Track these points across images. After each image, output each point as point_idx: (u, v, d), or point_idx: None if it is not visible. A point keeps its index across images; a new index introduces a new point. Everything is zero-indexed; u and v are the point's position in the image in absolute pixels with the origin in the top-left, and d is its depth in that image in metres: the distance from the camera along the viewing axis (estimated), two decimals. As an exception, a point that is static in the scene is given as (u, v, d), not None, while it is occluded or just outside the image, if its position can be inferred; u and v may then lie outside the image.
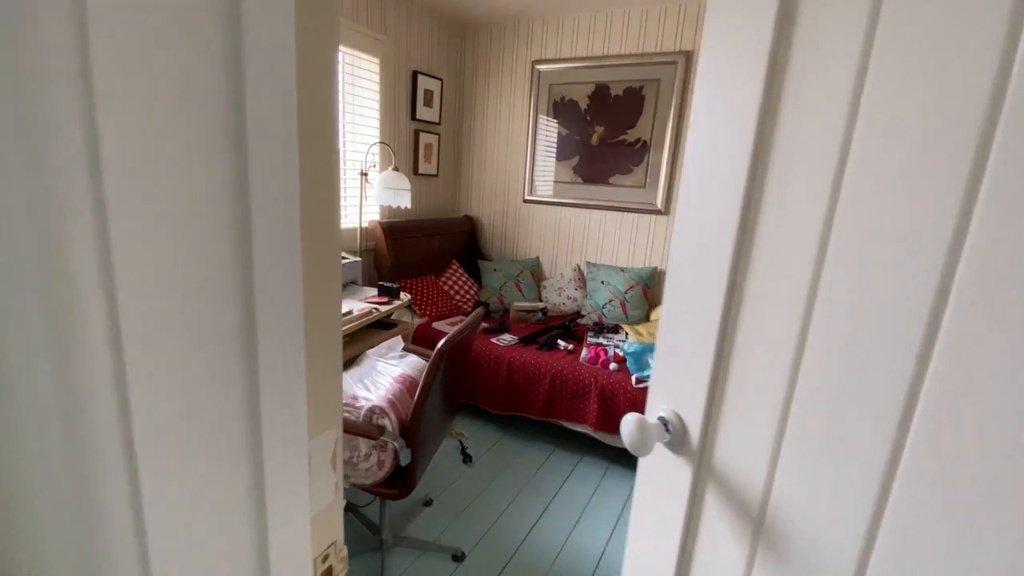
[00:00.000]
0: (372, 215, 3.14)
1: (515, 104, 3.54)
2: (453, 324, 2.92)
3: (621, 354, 2.53)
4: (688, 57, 2.94)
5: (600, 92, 3.22)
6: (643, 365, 2.43)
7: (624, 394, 2.30)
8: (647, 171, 3.17)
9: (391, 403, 1.50)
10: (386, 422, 1.45)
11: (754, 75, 0.49)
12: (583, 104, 3.29)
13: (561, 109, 3.37)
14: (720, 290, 0.54)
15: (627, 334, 2.88)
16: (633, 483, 2.31)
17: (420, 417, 1.43)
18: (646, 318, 3.13)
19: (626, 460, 2.50)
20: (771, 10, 0.48)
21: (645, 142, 3.14)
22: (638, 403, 2.27)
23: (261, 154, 0.31)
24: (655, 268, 3.22)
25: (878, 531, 0.44)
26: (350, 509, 2.00)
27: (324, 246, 0.39)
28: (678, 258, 0.61)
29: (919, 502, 0.41)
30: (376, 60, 2.96)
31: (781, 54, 0.48)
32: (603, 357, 2.53)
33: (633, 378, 2.35)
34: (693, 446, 0.59)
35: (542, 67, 3.38)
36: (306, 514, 0.37)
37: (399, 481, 1.52)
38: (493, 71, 3.58)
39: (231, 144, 0.30)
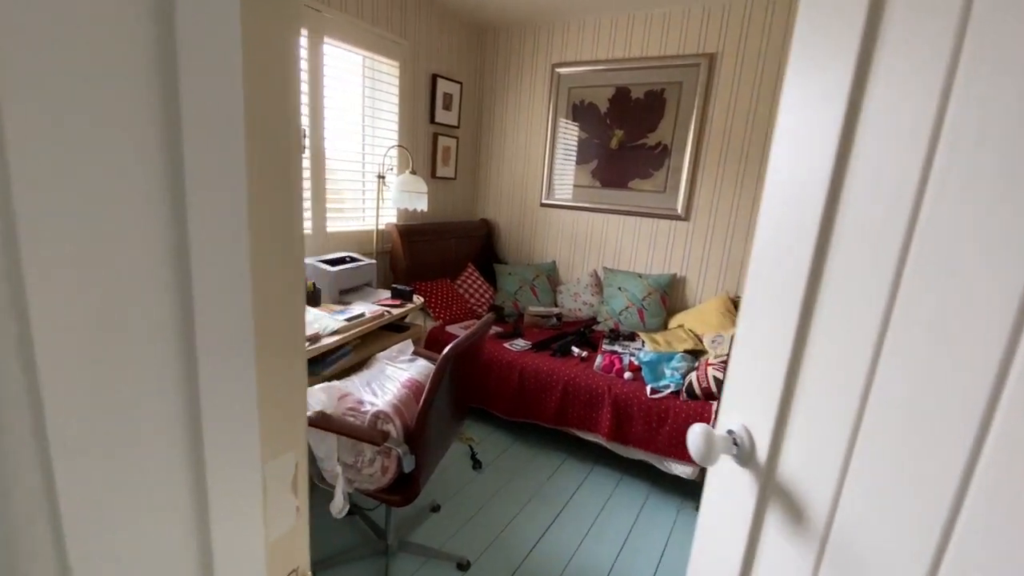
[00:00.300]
0: (390, 217, 3.15)
1: (534, 107, 3.51)
2: (467, 328, 2.89)
3: (636, 363, 2.47)
4: (711, 59, 2.86)
5: (620, 95, 3.17)
6: (659, 375, 2.36)
7: (638, 404, 2.24)
8: (667, 175, 3.10)
9: (396, 408, 1.48)
10: (390, 428, 1.43)
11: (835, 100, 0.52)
12: (603, 107, 3.24)
13: (580, 112, 3.33)
14: (794, 312, 0.55)
15: (644, 342, 2.82)
16: (646, 497, 2.25)
17: (425, 423, 1.41)
18: (664, 326, 3.05)
19: (639, 472, 2.43)
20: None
21: (666, 146, 3.07)
22: (652, 414, 2.21)
23: (199, 151, 0.28)
24: (674, 275, 3.14)
25: (940, 565, 0.42)
26: (356, 512, 1.99)
27: (282, 254, 0.36)
28: (755, 278, 0.63)
29: (983, 542, 0.39)
30: (396, 64, 2.98)
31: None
32: (618, 365, 2.47)
33: (648, 388, 2.29)
34: (760, 461, 0.60)
35: (562, 70, 3.34)
36: (260, 541, 0.35)
37: (403, 487, 1.50)
38: (513, 74, 3.56)
39: (162, 142, 0.27)
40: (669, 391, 2.25)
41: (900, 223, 0.45)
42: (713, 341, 2.64)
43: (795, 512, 0.56)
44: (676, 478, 2.26)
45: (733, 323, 2.70)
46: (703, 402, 2.16)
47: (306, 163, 2.56)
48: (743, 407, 0.64)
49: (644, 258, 3.27)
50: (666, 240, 3.18)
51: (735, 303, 2.88)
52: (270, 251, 0.35)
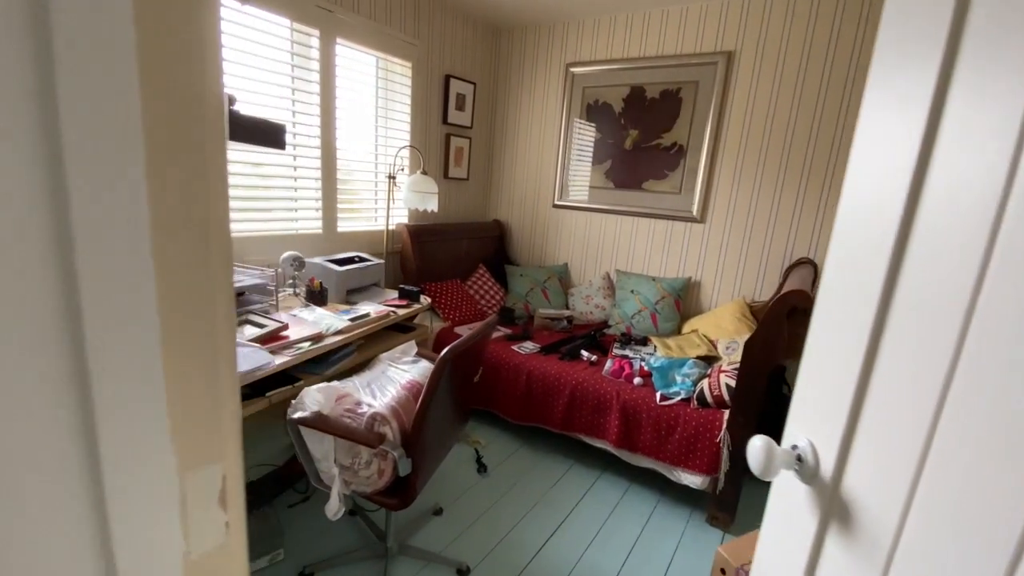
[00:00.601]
0: (402, 218, 3.15)
1: (548, 107, 3.48)
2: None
3: (647, 368, 2.41)
4: (729, 58, 2.78)
5: (635, 95, 3.11)
6: (669, 381, 2.30)
7: (647, 411, 2.18)
8: (683, 176, 3.03)
9: (394, 411, 1.46)
10: (387, 430, 1.41)
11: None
12: (617, 107, 3.18)
13: (595, 112, 3.28)
14: (865, 329, 0.55)
15: (655, 347, 2.75)
16: (654, 506, 2.19)
17: (422, 427, 1.39)
18: (677, 331, 2.98)
19: (647, 480, 2.37)
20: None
21: (681, 146, 3.00)
22: (661, 422, 2.15)
23: (78, 112, 0.26)
24: (689, 278, 3.07)
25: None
26: (357, 512, 1.98)
27: (198, 251, 0.33)
28: (827, 291, 0.63)
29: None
30: (408, 64, 2.98)
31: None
32: (627, 370, 2.42)
33: (658, 394, 2.22)
34: (825, 478, 0.60)
35: (576, 69, 3.30)
36: (177, 558, 0.33)
37: (400, 491, 1.48)
38: (527, 74, 3.53)
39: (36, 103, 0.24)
40: (679, 398, 2.19)
41: (980, 236, 0.43)
42: (727, 347, 2.56)
43: (859, 531, 0.55)
44: (686, 488, 2.20)
45: (749, 328, 2.62)
46: (714, 410, 2.09)
47: (317, 163, 2.57)
48: (809, 423, 0.64)
49: (658, 261, 3.20)
50: (681, 242, 3.10)
51: (752, 308, 2.79)
52: (183, 247, 0.32)
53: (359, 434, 1.37)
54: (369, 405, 1.47)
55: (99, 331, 0.28)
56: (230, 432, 0.36)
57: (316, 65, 2.48)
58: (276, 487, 2.02)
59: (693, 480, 2.10)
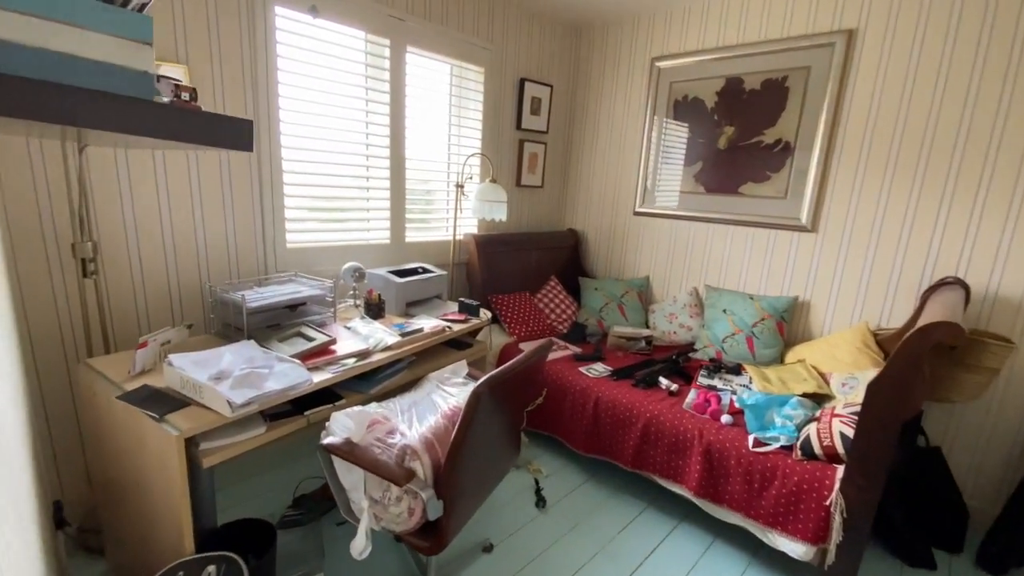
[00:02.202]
0: (471, 227, 3.05)
1: (630, 107, 3.20)
2: (542, 347, 2.67)
3: (738, 404, 2.05)
4: (850, 37, 2.33)
5: (731, 87, 2.74)
6: (766, 423, 1.93)
7: (737, 457, 1.83)
8: (790, 178, 2.60)
9: (428, 443, 1.31)
10: (417, 466, 1.26)
11: None
12: (710, 102, 2.83)
13: (683, 109, 2.95)
14: None
15: (750, 378, 2.36)
16: (743, 572, 1.82)
17: (454, 467, 1.22)
18: (779, 360, 2.54)
19: (736, 538, 2.00)
20: None
21: (788, 143, 2.58)
22: (754, 472, 1.79)
23: None
24: (795, 298, 2.61)
25: None
26: (400, 539, 1.86)
27: None
28: None
29: None
30: (481, 69, 2.88)
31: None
32: (714, 405, 2.07)
33: (751, 438, 1.86)
34: None
35: (663, 63, 2.99)
36: None
37: (433, 532, 1.32)
38: (608, 73, 3.29)
39: None
40: (778, 445, 1.81)
41: None
42: (844, 384, 2.11)
43: None
44: (784, 555, 1.81)
45: (873, 362, 2.14)
46: (824, 464, 1.70)
47: (386, 173, 2.55)
48: None
49: (757, 276, 2.78)
50: (786, 255, 2.66)
51: (877, 337, 2.29)
52: None
53: (385, 469, 1.23)
54: (402, 435, 1.33)
55: None
56: None
57: (387, 75, 2.45)
58: (325, 502, 1.97)
59: (793, 548, 1.71)
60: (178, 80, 0.72)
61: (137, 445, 1.29)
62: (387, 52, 2.44)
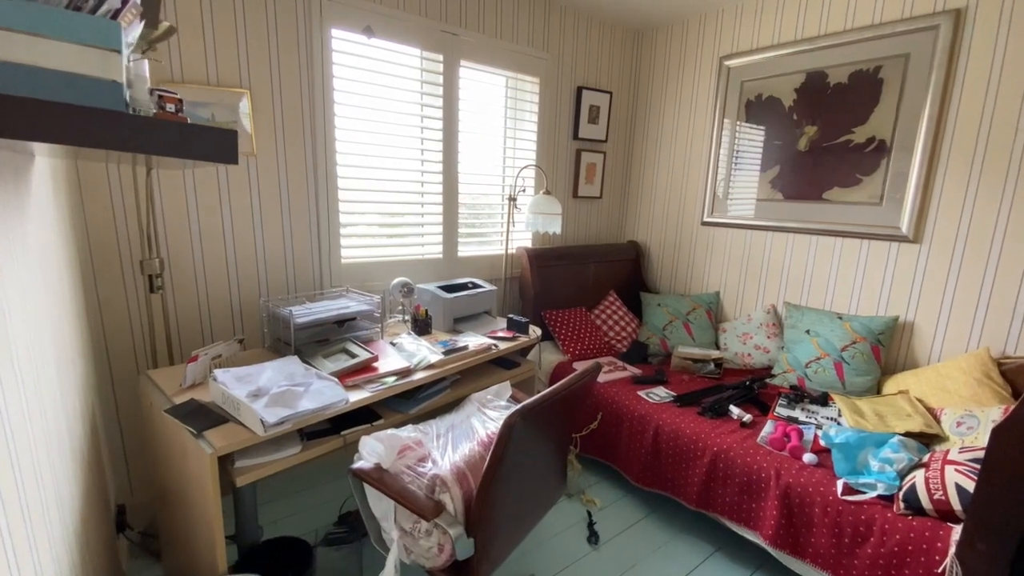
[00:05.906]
0: (525, 241, 2.97)
1: (696, 110, 2.99)
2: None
3: (824, 442, 1.77)
4: (958, 18, 2.01)
5: (812, 82, 2.47)
6: (859, 466, 1.65)
7: (823, 505, 1.57)
8: (886, 182, 2.28)
9: (460, 474, 1.22)
10: (447, 499, 1.17)
11: None
12: (787, 101, 2.56)
13: (756, 110, 2.70)
14: None
15: (840, 411, 2.06)
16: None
17: (484, 503, 1.12)
18: (875, 390, 2.20)
19: (824, 598, 1.72)
20: None
21: (883, 142, 2.26)
22: (844, 525, 1.52)
23: None
24: (895, 318, 2.27)
25: None
26: None
27: None
28: None
29: None
30: (536, 80, 2.81)
31: None
32: (794, 441, 1.81)
33: (840, 483, 1.60)
34: None
35: (732, 62, 2.77)
36: None
37: (464, 572, 1.22)
38: (671, 76, 3.10)
39: None
40: (875, 493, 1.53)
41: None
42: (959, 423, 1.77)
43: None
44: (885, 627, 1.51)
45: (997, 397, 1.78)
46: (934, 521, 1.40)
47: (439, 188, 2.54)
48: None
49: (846, 292, 2.45)
50: (882, 269, 2.33)
51: (1001, 367, 1.91)
52: None
53: (413, 500, 1.15)
54: (434, 462, 1.25)
55: None
56: None
57: (440, 90, 2.45)
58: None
59: (897, 621, 1.42)
60: (165, 90, 0.70)
61: (180, 458, 1.31)
62: (440, 68, 2.43)
